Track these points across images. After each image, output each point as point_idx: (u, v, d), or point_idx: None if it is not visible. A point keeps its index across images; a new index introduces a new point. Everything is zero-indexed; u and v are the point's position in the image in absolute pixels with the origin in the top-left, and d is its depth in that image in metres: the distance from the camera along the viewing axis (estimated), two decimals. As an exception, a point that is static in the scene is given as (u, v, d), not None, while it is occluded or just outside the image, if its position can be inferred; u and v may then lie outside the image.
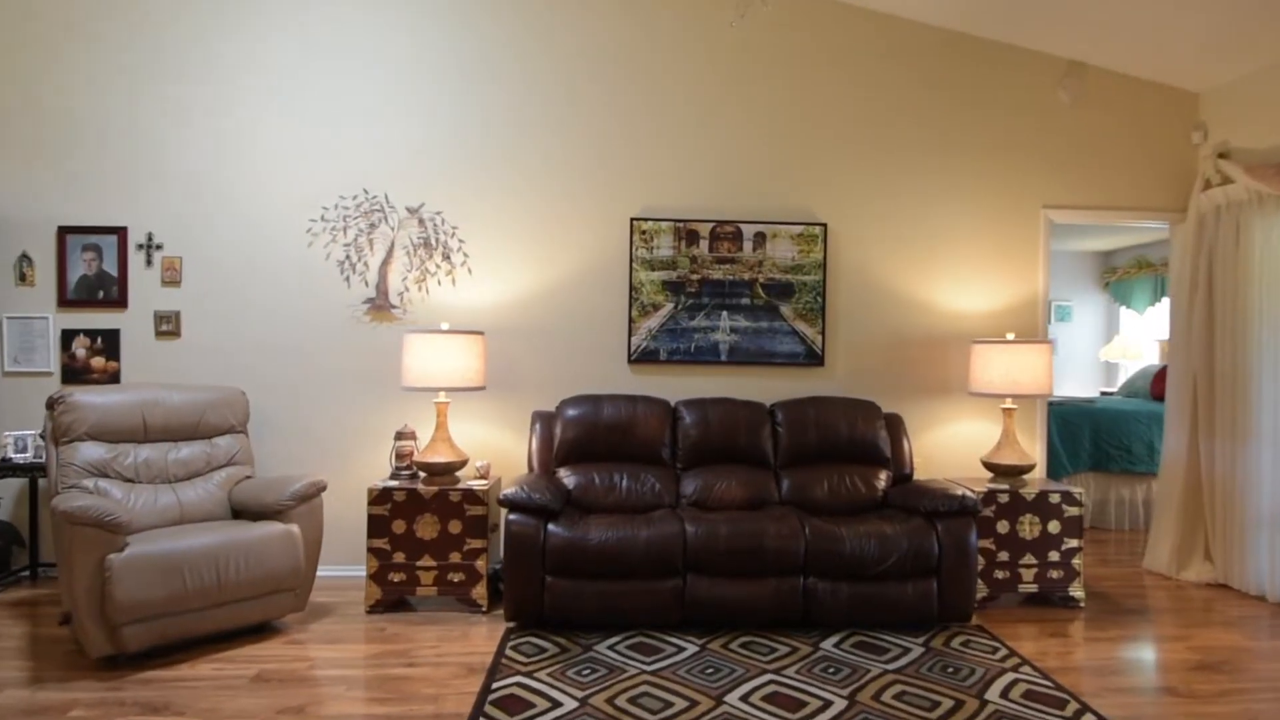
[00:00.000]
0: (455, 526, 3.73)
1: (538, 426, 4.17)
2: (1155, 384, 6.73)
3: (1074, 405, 5.89)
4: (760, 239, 4.43)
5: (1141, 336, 7.92)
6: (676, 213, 4.44)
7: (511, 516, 3.47)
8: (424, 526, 3.72)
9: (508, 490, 3.50)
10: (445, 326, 3.93)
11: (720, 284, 4.43)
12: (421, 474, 3.90)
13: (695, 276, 4.42)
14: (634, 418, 4.11)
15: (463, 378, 3.80)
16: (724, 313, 4.44)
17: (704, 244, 4.42)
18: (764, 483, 4.07)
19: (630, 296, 4.39)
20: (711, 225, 4.42)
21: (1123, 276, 8.01)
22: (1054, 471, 5.60)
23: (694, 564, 3.49)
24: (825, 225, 4.44)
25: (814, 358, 4.46)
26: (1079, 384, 8.47)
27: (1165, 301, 7.40)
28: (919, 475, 4.49)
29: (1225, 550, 4.31)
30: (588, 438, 4.07)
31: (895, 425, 4.28)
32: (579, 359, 4.41)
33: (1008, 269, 4.56)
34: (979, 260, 4.55)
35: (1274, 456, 4.04)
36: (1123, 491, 5.74)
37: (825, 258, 4.45)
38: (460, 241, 4.38)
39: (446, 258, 4.38)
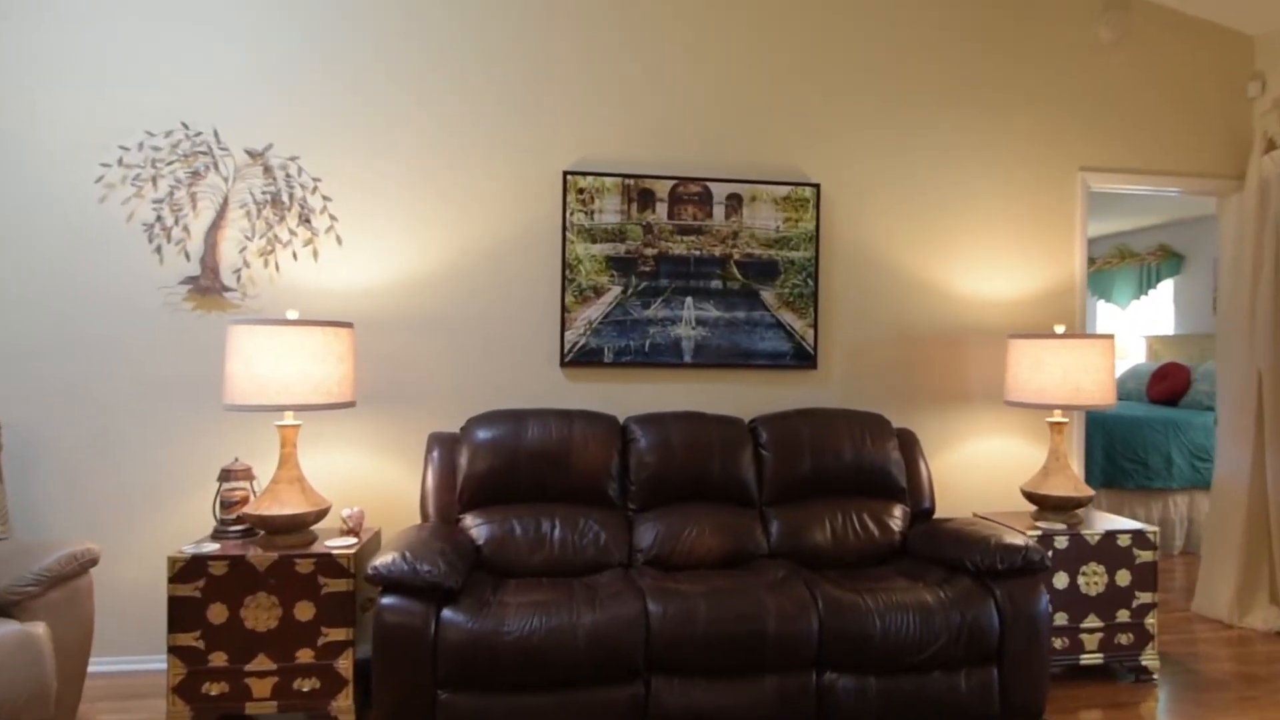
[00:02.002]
0: (305, 610, 2.52)
1: (436, 456, 2.98)
2: (1153, 385, 6.01)
3: (1097, 409, 5.06)
4: (735, 203, 3.37)
5: (1127, 333, 7.25)
6: (625, 166, 3.33)
7: (385, 600, 2.29)
8: (257, 612, 2.49)
9: (381, 560, 2.31)
10: (294, 315, 2.71)
11: (683, 261, 3.34)
12: (260, 531, 2.67)
13: (650, 251, 3.32)
14: (569, 441, 2.98)
15: (319, 389, 2.59)
16: (688, 299, 3.35)
17: (662, 208, 3.32)
18: (746, 527, 3.00)
19: (564, 277, 3.25)
20: (672, 183, 3.32)
21: (1102, 267, 7.34)
22: (1067, 491, 4.74)
23: (661, 661, 2.38)
24: (818, 187, 3.41)
25: (804, 357, 3.43)
26: (1053, 385, 7.78)
27: (1153, 294, 6.74)
28: (935, 510, 3.51)
29: (1302, 593, 3.49)
30: (505, 470, 2.92)
31: (909, 445, 3.29)
32: (494, 361, 3.25)
33: (1039, 245, 3.64)
34: (1006, 234, 3.60)
35: (1375, 479, 3.22)
36: (1138, 510, 4.94)
37: (818, 228, 3.42)
38: (325, 200, 3.15)
39: (305, 221, 3.14)
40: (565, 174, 3.24)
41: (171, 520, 3.02)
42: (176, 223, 3.07)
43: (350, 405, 2.74)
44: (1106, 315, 7.61)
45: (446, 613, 2.31)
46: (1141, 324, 7.24)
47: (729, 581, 2.60)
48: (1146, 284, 6.80)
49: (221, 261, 3.09)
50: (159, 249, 3.05)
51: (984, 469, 3.57)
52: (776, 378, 3.44)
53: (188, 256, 3.07)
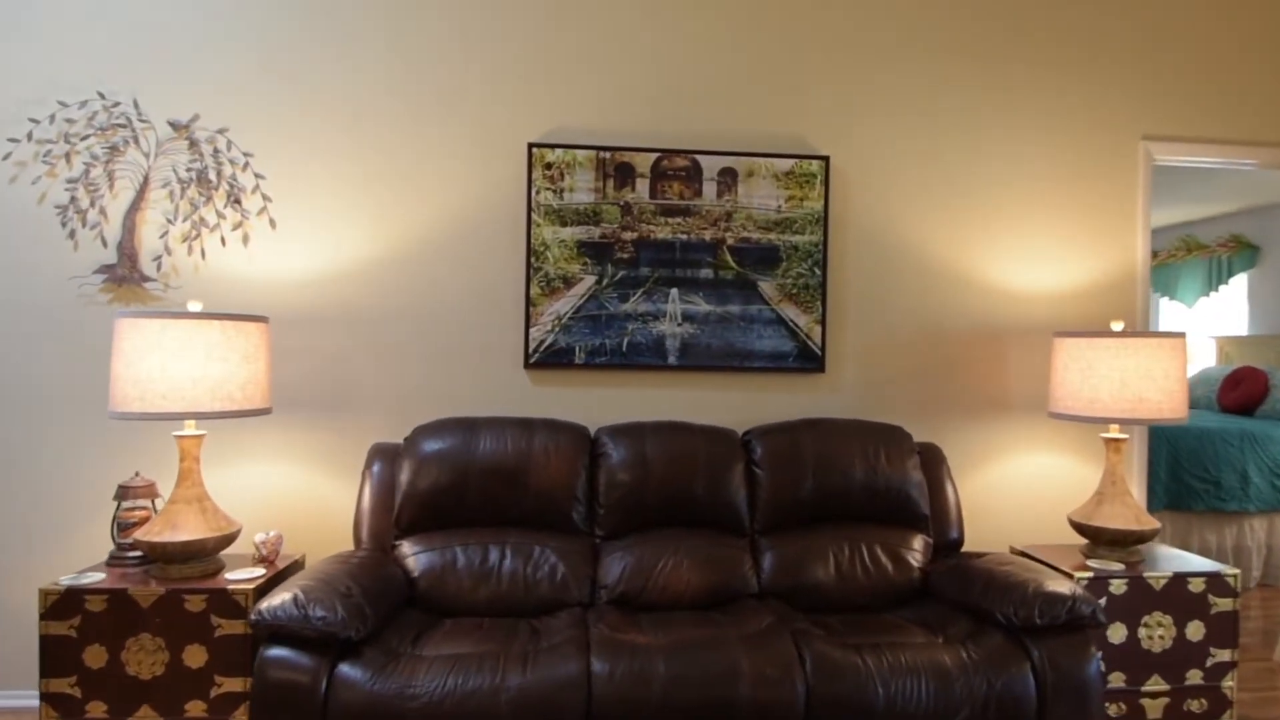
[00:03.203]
0: (196, 656, 2.13)
1: (375, 471, 2.58)
2: (1225, 392, 5.34)
3: (1165, 423, 4.45)
4: (729, 179, 2.90)
5: (1196, 334, 6.54)
6: (600, 137, 2.88)
7: (269, 652, 1.88)
8: (140, 656, 2.12)
9: (268, 603, 1.91)
10: (197, 307, 2.33)
11: (668, 247, 2.88)
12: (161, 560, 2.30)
13: (629, 235, 2.87)
14: (528, 456, 2.55)
15: (217, 394, 2.20)
16: (674, 291, 2.89)
17: (643, 185, 2.87)
18: (733, 560, 2.53)
19: (529, 265, 2.82)
20: (655, 157, 2.87)
21: (1165, 261, 6.64)
22: (1124, 513, 4.15)
23: (608, 734, 1.94)
24: (827, 160, 2.92)
25: (810, 359, 2.94)
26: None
27: (1224, 290, 6.05)
28: (967, 540, 2.99)
29: None
30: (452, 489, 2.50)
31: (934, 464, 2.78)
32: (450, 363, 2.84)
33: (1094, 229, 3.08)
34: (1053, 216, 3.06)
35: None
36: (1209, 537, 4.31)
37: (827, 208, 2.93)
38: (257, 178, 2.77)
39: (235, 202, 2.77)
40: (531, 146, 2.81)
41: (75, 542, 2.67)
42: (92, 204, 2.73)
43: (264, 412, 2.36)
44: (1171, 314, 6.90)
45: (344, 668, 1.89)
46: (1211, 323, 6.52)
47: (699, 632, 2.13)
48: (1216, 279, 6.10)
49: (141, 248, 2.74)
50: (73, 234, 2.71)
51: (1025, 493, 3.02)
52: (777, 383, 2.96)
53: (104, 243, 2.73)
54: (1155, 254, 6.82)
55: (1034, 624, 2.09)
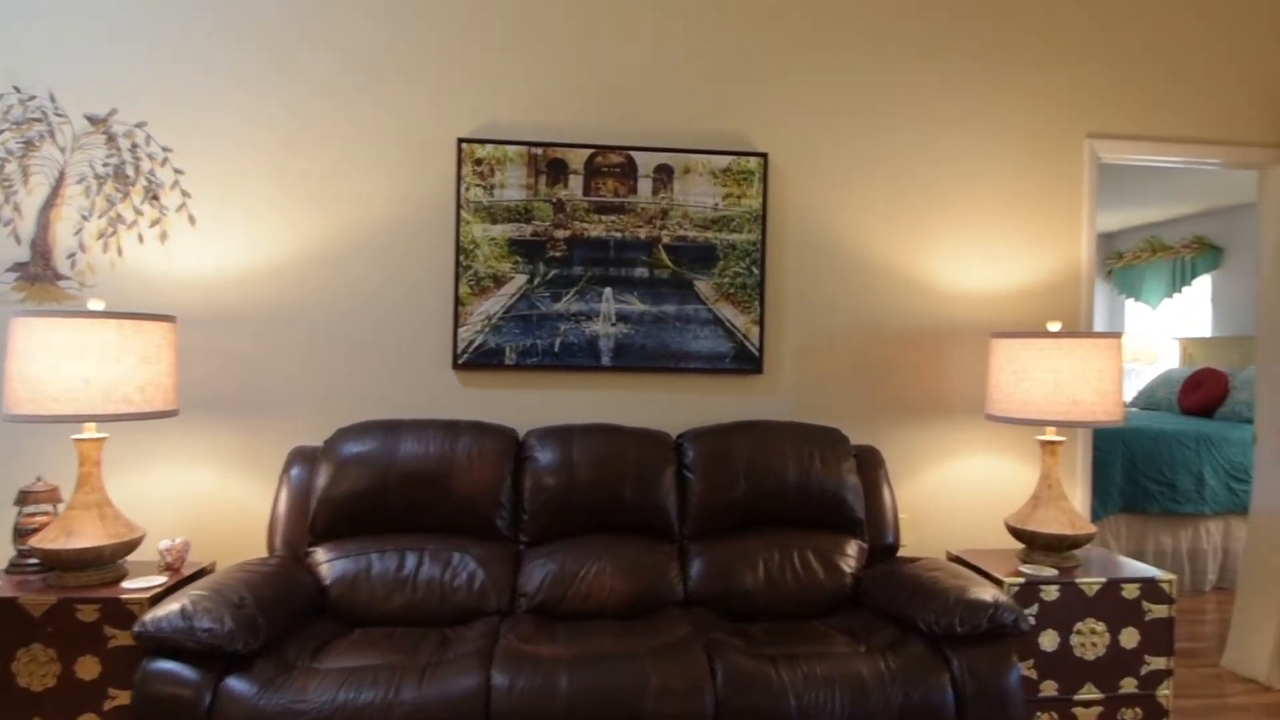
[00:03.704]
0: (89, 668, 2.05)
1: (294, 475, 2.51)
2: (1185, 394, 5.32)
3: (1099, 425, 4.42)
4: (665, 175, 2.84)
5: (1157, 335, 6.54)
6: (533, 132, 2.82)
7: (151, 665, 1.81)
8: (32, 667, 2.03)
9: (153, 614, 1.83)
10: (99, 306, 2.25)
11: (602, 245, 2.82)
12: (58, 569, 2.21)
13: (562, 233, 2.80)
14: (450, 460, 2.48)
15: (111, 396, 2.11)
16: (608, 290, 2.83)
17: (576, 182, 2.80)
18: (660, 566, 2.47)
19: (458, 263, 2.75)
20: (589, 153, 2.80)
21: (1130, 262, 6.64)
22: (1079, 516, 4.12)
23: (509, 749, 1.87)
24: (765, 157, 2.86)
25: (748, 360, 2.88)
26: (1077, 392, 7.07)
27: (1187, 291, 6.04)
28: (906, 546, 2.94)
29: (1361, 652, 2.85)
30: (372, 493, 2.43)
31: (871, 467, 2.73)
32: (376, 363, 2.76)
33: (1039, 228, 3.04)
34: (998, 215, 3.01)
35: None
36: (1164, 539, 4.29)
37: (765, 206, 2.88)
38: (176, 173, 2.69)
39: (153, 198, 2.68)
40: (460, 141, 2.74)
41: (-14, 546, 2.58)
42: (6, 200, 2.64)
43: (168, 415, 2.27)
44: (1136, 316, 6.90)
45: (231, 682, 1.82)
46: (1175, 325, 6.52)
47: (611, 643, 2.07)
48: (1180, 280, 6.09)
49: (56, 245, 2.65)
50: (-17, 230, 2.62)
51: (967, 496, 2.98)
52: (714, 384, 2.90)
53: (18, 240, 2.64)
54: (1120, 255, 6.81)
55: (955, 633, 2.03)
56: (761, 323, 2.88)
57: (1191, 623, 3.81)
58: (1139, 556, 4.28)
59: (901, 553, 2.95)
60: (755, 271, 2.88)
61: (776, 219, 2.92)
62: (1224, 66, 3.14)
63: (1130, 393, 6.96)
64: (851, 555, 2.58)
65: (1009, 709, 1.97)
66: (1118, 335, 2.52)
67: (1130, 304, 6.88)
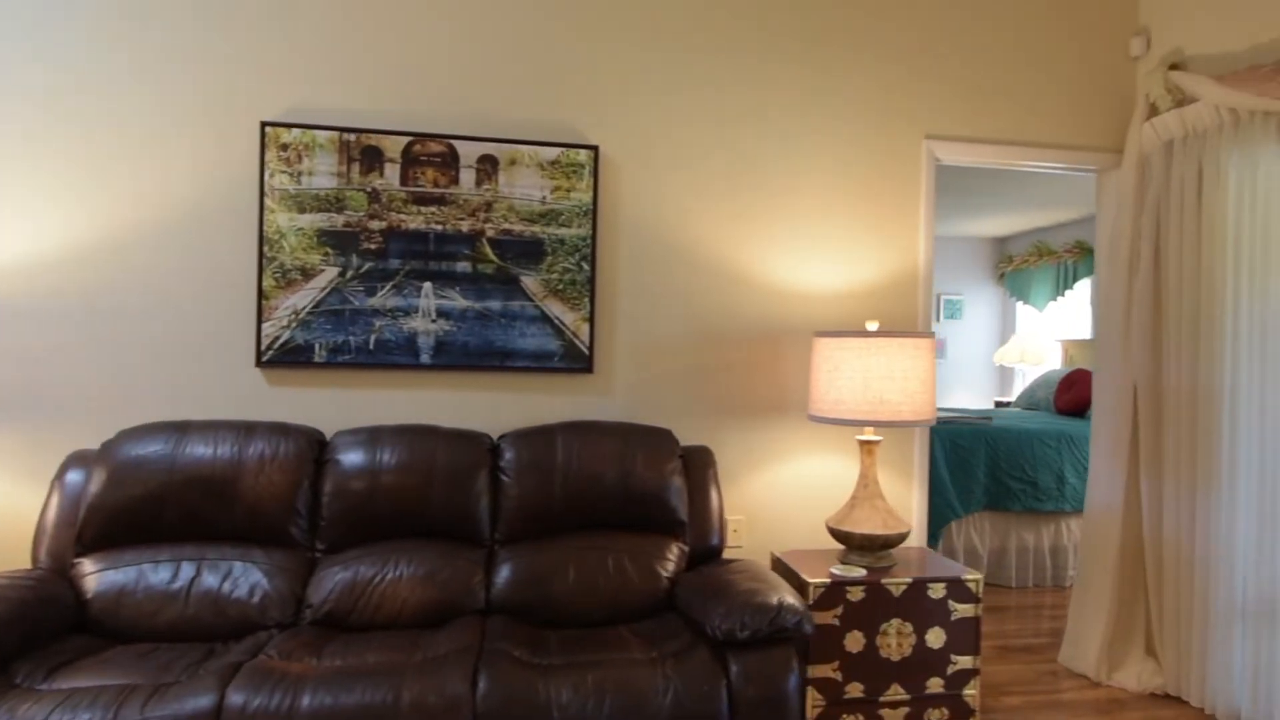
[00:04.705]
0: None
1: (67, 481, 2.32)
2: (1060, 394, 5.45)
3: (965, 423, 4.48)
4: (490, 167, 2.73)
5: (1042, 337, 6.71)
6: (345, 117, 2.68)
7: None
8: None
9: None
10: None
11: (421, 237, 2.70)
12: None
13: (377, 224, 2.67)
14: (240, 464, 2.33)
15: None
16: (427, 285, 2.70)
17: (392, 171, 2.67)
18: (463, 572, 2.36)
19: (261, 255, 2.59)
20: (406, 141, 2.68)
21: (1020, 266, 6.80)
22: (942, 517, 4.16)
23: (244, 775, 1.73)
24: (596, 150, 2.78)
25: (577, 359, 2.79)
26: (970, 393, 7.22)
27: (1070, 294, 6.20)
28: (742, 547, 2.90)
29: (1178, 646, 2.91)
30: (150, 500, 2.27)
31: (699, 467, 2.67)
32: (171, 361, 2.58)
33: (878, 227, 3.03)
34: (837, 214, 2.99)
35: (1258, 511, 2.64)
36: (1026, 536, 4.36)
37: (596, 201, 2.79)
38: (-56, 150, 2.47)
39: (-85, 178, 2.46)
40: (264, 125, 2.58)
41: None
42: None
43: (-98, 415, 2.07)
44: (1026, 318, 7.07)
45: (-81, 712, 1.65)
46: (1059, 327, 6.70)
47: (378, 658, 1.96)
48: (1063, 283, 6.25)
49: None
50: None
51: (801, 497, 2.95)
52: (542, 384, 2.80)
53: None
54: (1010, 259, 6.97)
55: (736, 637, 1.98)
56: (592, 320, 2.80)
57: (1045, 618, 3.87)
58: (1002, 554, 4.35)
59: (737, 554, 2.91)
60: (586, 267, 2.79)
61: (608, 214, 2.84)
62: (1061, 71, 3.19)
63: (1013, 392, 7.14)
64: (671, 558, 2.51)
65: (785, 716, 1.92)
66: (930, 336, 2.51)
67: (1020, 306, 7.04)
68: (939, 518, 4.18)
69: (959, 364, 7.20)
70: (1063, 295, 6.31)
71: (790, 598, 2.04)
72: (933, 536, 4.18)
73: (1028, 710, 2.84)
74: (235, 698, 1.74)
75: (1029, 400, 5.92)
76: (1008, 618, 3.86)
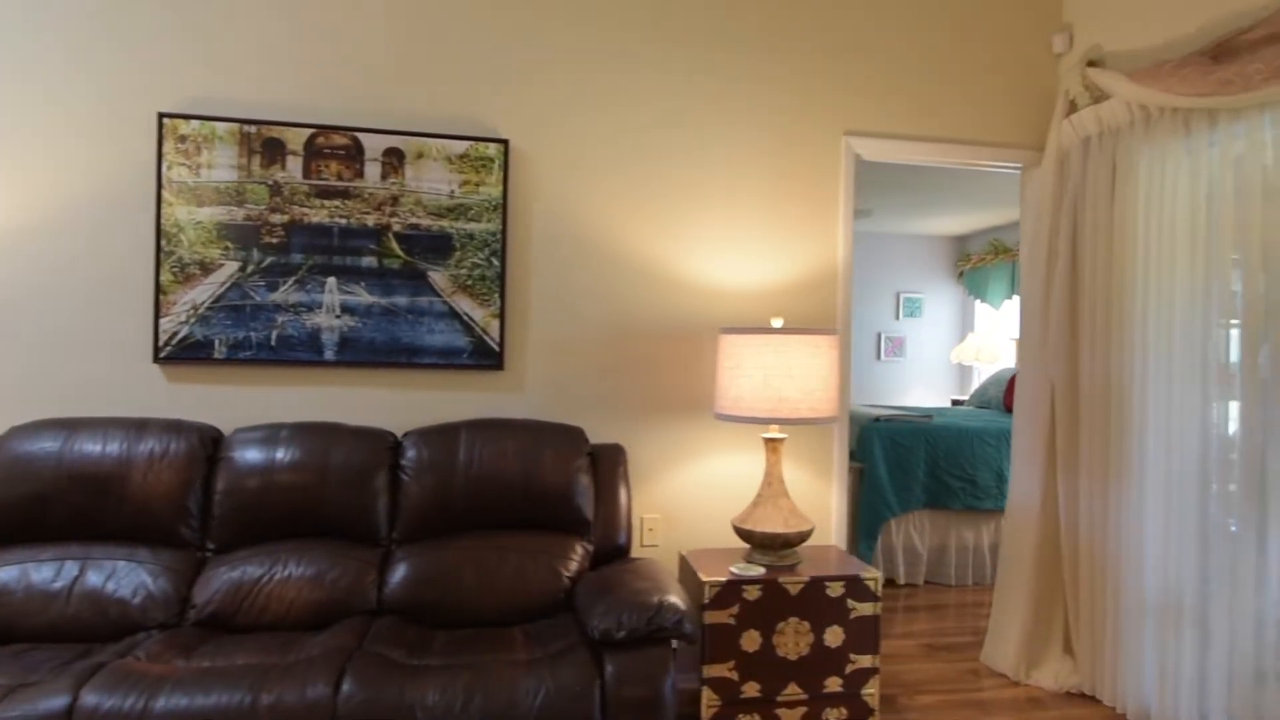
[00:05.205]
0: None
1: (-52, 478, 2.27)
2: (1009, 393, 5.46)
3: (905, 422, 4.48)
4: (395, 160, 2.69)
5: (997, 335, 6.72)
6: (246, 108, 2.63)
7: None
8: None
9: None
10: None
11: (324, 232, 2.66)
12: None
13: (279, 218, 2.63)
14: (129, 462, 2.29)
15: None
16: (331, 280, 2.66)
17: (295, 164, 2.63)
18: (355, 572, 2.33)
19: (159, 248, 2.55)
20: (309, 133, 2.64)
21: (978, 264, 6.81)
22: (879, 516, 4.15)
23: (92, 780, 1.70)
24: (506, 144, 2.75)
25: (487, 356, 2.76)
26: (930, 391, 7.23)
27: (1023, 293, 6.20)
28: (658, 546, 2.87)
29: (1092, 644, 2.91)
30: (33, 499, 2.24)
31: (609, 466, 2.64)
32: (64, 356, 2.53)
33: (799, 223, 3.01)
34: (757, 210, 2.97)
35: (1165, 509, 2.64)
36: (966, 534, 4.36)
37: (507, 195, 2.76)
38: None
39: None
40: (162, 117, 2.53)
41: None
42: None
43: None
44: (984, 316, 7.09)
45: None
46: (1013, 325, 6.71)
47: (249, 659, 1.92)
48: (1018, 282, 6.25)
49: None
50: None
51: (717, 495, 2.92)
52: (452, 381, 2.77)
53: None
54: (968, 257, 6.98)
55: (613, 637, 1.95)
56: (503, 317, 2.77)
57: (980, 617, 3.86)
58: (942, 552, 4.35)
59: (653, 553, 2.89)
60: (496, 263, 2.76)
61: (520, 208, 2.81)
62: (986, 68, 3.18)
63: (967, 391, 7.15)
64: (575, 558, 2.48)
65: (660, 718, 1.90)
66: (834, 332, 2.49)
67: (979, 305, 7.05)
68: (875, 516, 4.18)
69: (918, 363, 7.21)
70: (1017, 294, 6.31)
71: (674, 597, 2.02)
72: (870, 535, 4.18)
73: (942, 709, 2.83)
74: (89, 699, 1.71)
75: (981, 399, 5.92)
76: (942, 615, 3.85)
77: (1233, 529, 2.39)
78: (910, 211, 6.27)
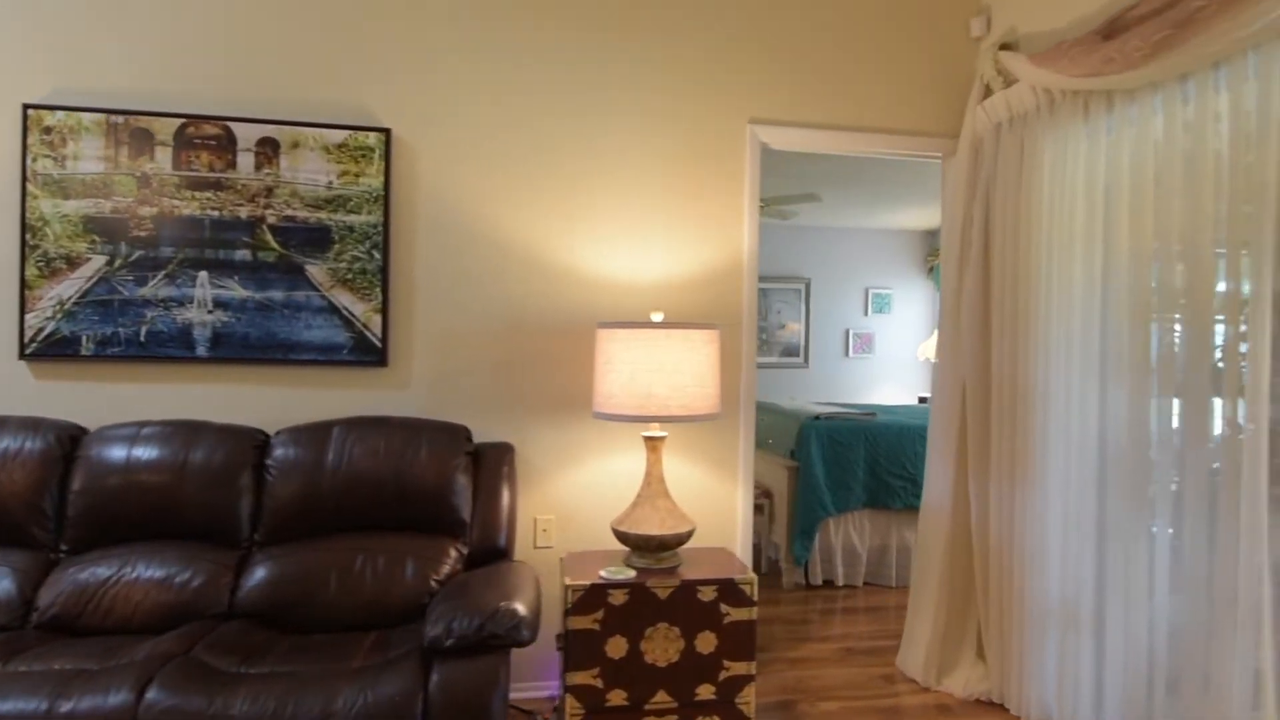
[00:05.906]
0: None
1: None
2: (967, 389, 5.32)
3: (846, 420, 4.37)
4: (270, 150, 2.61)
5: (964, 331, 6.57)
6: (113, 98, 2.57)
7: None
8: None
9: None
10: None
11: (196, 224, 2.58)
12: None
13: (148, 210, 2.56)
14: (-23, 460, 2.23)
15: None
16: (203, 274, 2.59)
17: (164, 155, 2.56)
18: (210, 575, 2.26)
19: (24, 243, 2.48)
20: (179, 123, 2.56)
21: (945, 259, 6.66)
22: (814, 516, 4.05)
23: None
24: (388, 133, 2.67)
25: (369, 351, 2.68)
26: (899, 388, 7.10)
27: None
28: (552, 548, 2.79)
29: (1001, 650, 2.80)
30: (-125, 498, 2.16)
31: (493, 465, 2.56)
32: (-74, 351, 2.48)
33: (704, 214, 2.91)
34: (662, 200, 2.87)
35: (1064, 510, 2.53)
36: (907, 535, 4.25)
37: (389, 186, 2.68)
38: None
39: None
40: (26, 108, 2.47)
41: None
42: None
43: None
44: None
45: None
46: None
47: (65, 664, 1.86)
48: (983, 276, 6.11)
49: None
50: None
51: (610, 494, 2.83)
52: (332, 378, 2.69)
53: None
54: (937, 252, 6.84)
55: (442, 645, 1.87)
56: (385, 311, 2.69)
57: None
58: (883, 552, 4.24)
59: (547, 555, 2.80)
60: (377, 256, 2.68)
61: (403, 200, 2.73)
62: (902, 54, 3.06)
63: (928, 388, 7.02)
64: (447, 561, 2.40)
65: (485, 731, 1.81)
66: (713, 327, 2.40)
67: (949, 300, 6.91)
68: (811, 516, 4.07)
69: (887, 359, 7.08)
70: (983, 288, 6.16)
71: (516, 603, 1.94)
72: (807, 535, 4.08)
73: (843, 716, 2.74)
74: None
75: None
76: (872, 618, 3.75)
77: (1125, 530, 2.27)
78: (874, 204, 6.14)
